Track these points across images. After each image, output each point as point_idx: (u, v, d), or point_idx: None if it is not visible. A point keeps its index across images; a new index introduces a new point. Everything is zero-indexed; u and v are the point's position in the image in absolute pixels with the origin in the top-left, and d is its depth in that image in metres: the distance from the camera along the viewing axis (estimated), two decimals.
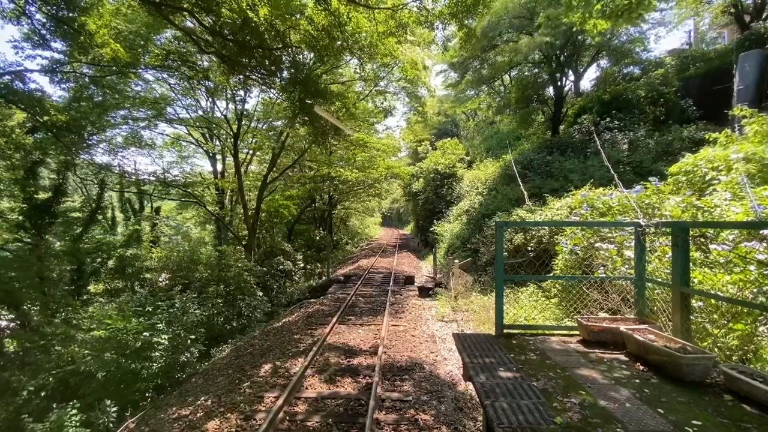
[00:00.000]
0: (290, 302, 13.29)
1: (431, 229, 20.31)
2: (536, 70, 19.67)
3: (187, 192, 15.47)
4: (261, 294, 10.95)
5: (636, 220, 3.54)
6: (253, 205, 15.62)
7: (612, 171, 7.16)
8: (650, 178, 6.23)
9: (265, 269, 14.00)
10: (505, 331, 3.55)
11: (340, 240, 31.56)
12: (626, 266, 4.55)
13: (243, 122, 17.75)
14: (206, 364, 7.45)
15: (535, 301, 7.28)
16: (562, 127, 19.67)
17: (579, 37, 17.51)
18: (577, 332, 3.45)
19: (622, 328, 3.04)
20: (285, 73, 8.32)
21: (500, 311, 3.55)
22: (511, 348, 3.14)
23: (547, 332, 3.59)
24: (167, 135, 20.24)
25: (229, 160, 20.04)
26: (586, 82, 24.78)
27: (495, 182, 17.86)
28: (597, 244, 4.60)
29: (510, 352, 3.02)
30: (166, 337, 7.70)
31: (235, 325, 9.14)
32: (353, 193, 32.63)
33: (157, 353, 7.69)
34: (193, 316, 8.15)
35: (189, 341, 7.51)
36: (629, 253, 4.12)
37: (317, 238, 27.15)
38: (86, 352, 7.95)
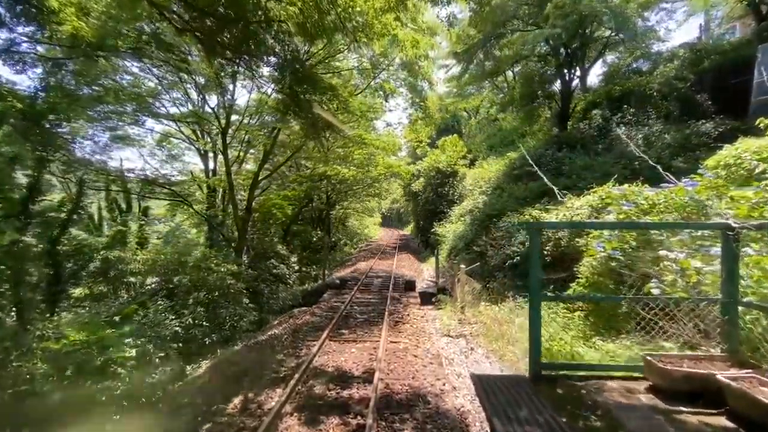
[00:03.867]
0: (282, 309, 12.37)
1: (432, 230, 19.41)
2: (542, 65, 18.79)
3: (172, 190, 14.53)
4: (247, 301, 10.01)
5: (723, 221, 2.61)
6: (245, 205, 14.68)
7: (651, 163, 6.24)
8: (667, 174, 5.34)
9: (256, 273, 13.07)
10: (543, 371, 2.61)
11: (339, 241, 30.62)
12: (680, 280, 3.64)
13: (233, 117, 16.84)
14: (178, 384, 6.52)
15: (554, 314, 6.35)
16: (569, 123, 18.77)
17: (587, 29, 16.66)
18: (640, 373, 2.52)
19: (720, 376, 2.12)
20: (273, 59, 7.43)
21: (537, 344, 2.62)
22: (558, 402, 2.20)
23: (600, 373, 2.65)
24: (157, 132, 19.35)
25: (220, 157, 19.14)
26: (593, 78, 23.87)
27: (499, 181, 16.98)
28: (662, 252, 3.66)
29: (560, 411, 2.09)
30: (134, 352, 6.76)
31: (215, 338, 8.21)
32: (352, 193, 31.71)
33: (123, 371, 6.77)
34: (167, 328, 7.22)
35: (158, 359, 6.57)
36: (696, 264, 3.18)
37: (314, 239, 26.23)
38: (45, 367, 7.03)
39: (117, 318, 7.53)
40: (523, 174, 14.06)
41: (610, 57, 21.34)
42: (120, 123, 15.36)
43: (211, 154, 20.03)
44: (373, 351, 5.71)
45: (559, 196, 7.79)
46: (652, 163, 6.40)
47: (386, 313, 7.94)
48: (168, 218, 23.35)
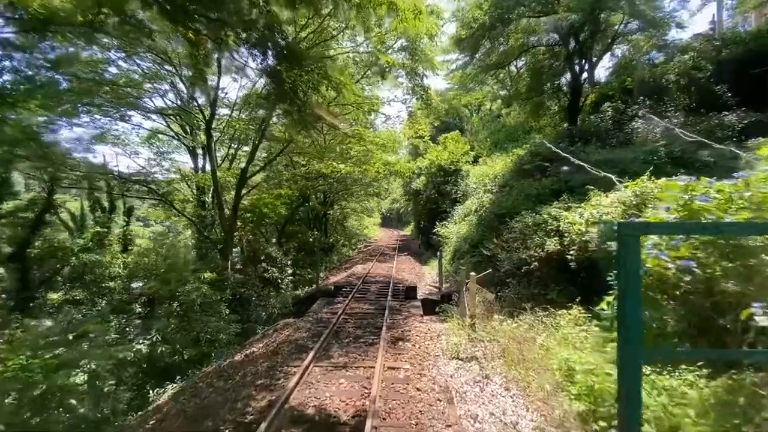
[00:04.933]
0: (271, 317, 11.29)
1: (434, 230, 18.34)
2: (550, 55, 17.73)
3: (150, 189, 13.42)
4: (228, 312, 8.92)
5: None
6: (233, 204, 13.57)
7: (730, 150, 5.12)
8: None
9: (243, 278, 11.99)
10: None
11: (337, 242, 29.50)
12: None
13: (223, 112, 15.79)
14: (133, 417, 5.43)
15: (583, 338, 5.24)
16: (579, 117, 17.71)
17: (600, 14, 15.59)
18: None
19: None
20: (254, 35, 6.35)
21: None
22: None
23: None
24: (146, 129, 18.21)
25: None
26: (600, 72, 22.77)
27: (506, 178, 15.93)
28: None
29: None
30: (83, 377, 5.67)
31: (186, 356, 7.13)
32: (350, 192, 30.69)
33: (73, 401, 5.69)
34: (125, 349, 6.14)
35: (110, 386, 5.49)
36: None
37: (310, 239, 25.16)
38: None
39: (70, 336, 6.43)
40: (534, 169, 12.97)
41: (620, 50, 20.29)
42: (99, 117, 14.34)
43: (200, 152, 18.95)
44: (366, 383, 4.61)
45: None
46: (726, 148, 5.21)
47: (384, 327, 6.85)
48: (162, 219, 22.31)
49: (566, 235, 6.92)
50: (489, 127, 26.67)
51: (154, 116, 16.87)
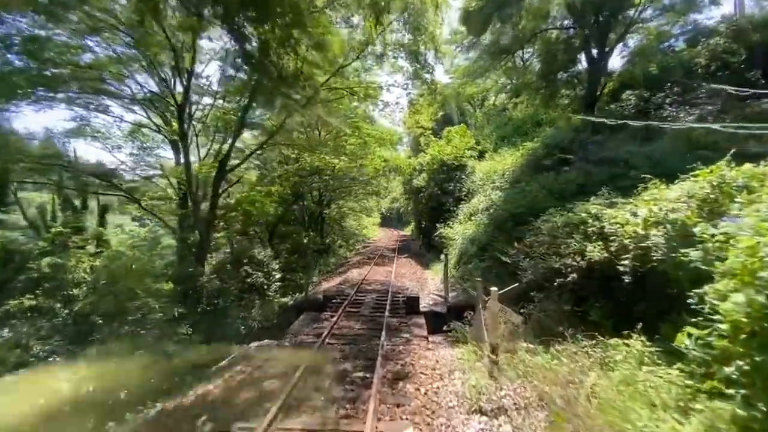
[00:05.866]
0: (251, 332, 9.75)
1: (437, 231, 16.82)
2: (563, 40, 16.17)
3: (113, 184, 11.85)
4: (190, 332, 7.36)
5: None
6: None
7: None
8: None
9: (220, 285, 10.45)
10: None
11: (334, 242, 27.91)
12: None
13: (206, 101, 14.23)
14: None
15: (658, 387, 3.67)
16: (596, 107, 16.18)
17: None
18: None
19: None
20: None
21: None
22: None
23: None
24: (128, 122, 16.53)
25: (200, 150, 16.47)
26: (616, 60, 21.19)
27: (518, 173, 14.45)
28: None
29: None
30: None
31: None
32: (347, 191, 29.20)
33: None
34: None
35: None
36: None
37: (305, 240, 23.62)
38: None
39: None
40: (554, 163, 11.42)
41: (638, 36, 18.74)
42: (69, 107, 12.81)
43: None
44: None
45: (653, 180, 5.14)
46: None
47: (379, 358, 5.28)
48: (145, 218, 20.68)
49: (613, 238, 5.37)
50: (494, 122, 25.10)
51: (136, 108, 15.29)
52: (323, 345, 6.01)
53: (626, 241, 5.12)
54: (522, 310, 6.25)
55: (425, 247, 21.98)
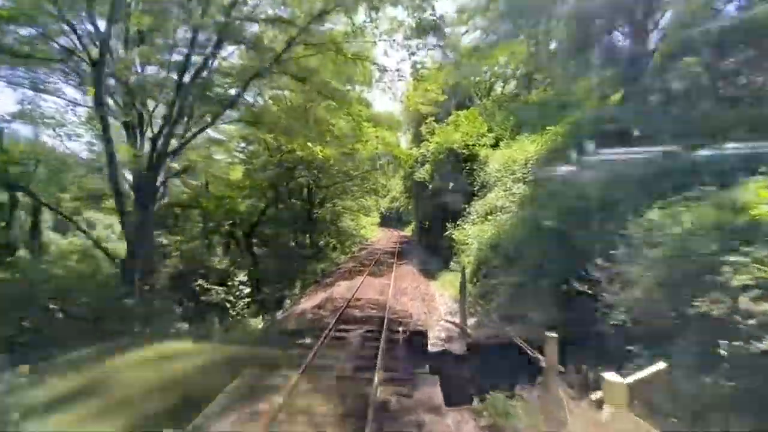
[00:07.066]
0: None
1: (446, 233, 13.87)
2: None
3: None
4: None
5: None
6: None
7: None
8: None
9: (144, 310, 7.50)
10: None
11: (327, 245, 24.87)
12: None
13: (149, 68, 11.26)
14: None
15: None
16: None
17: None
18: None
19: None
20: None
21: None
22: None
23: None
24: (85, 107, 13.41)
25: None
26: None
27: (544, 162, 11.48)
28: None
29: None
30: None
31: None
32: (342, 188, 26.28)
33: None
34: None
35: None
36: None
37: (291, 244, 20.69)
38: None
39: None
40: (616, 137, 8.29)
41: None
42: None
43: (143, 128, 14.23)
44: None
45: None
46: None
47: None
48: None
49: None
50: (507, 108, 22.13)
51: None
52: None
53: None
54: (599, 366, 3.25)
55: (430, 252, 19.03)
